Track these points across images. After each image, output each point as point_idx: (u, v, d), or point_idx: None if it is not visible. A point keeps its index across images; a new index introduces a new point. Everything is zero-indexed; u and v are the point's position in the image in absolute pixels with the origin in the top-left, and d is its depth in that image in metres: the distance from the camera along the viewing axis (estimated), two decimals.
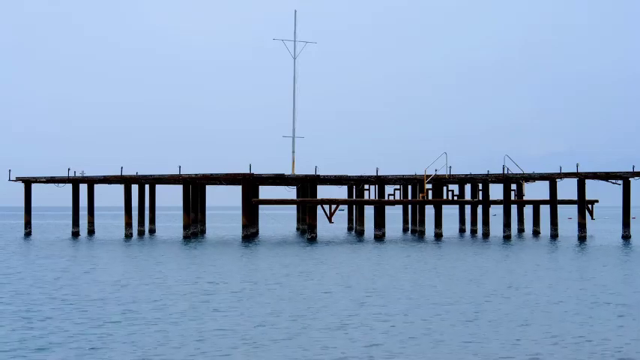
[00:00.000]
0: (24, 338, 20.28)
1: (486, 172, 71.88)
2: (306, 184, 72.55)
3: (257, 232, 76.20)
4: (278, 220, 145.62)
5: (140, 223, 77.99)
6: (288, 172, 74.72)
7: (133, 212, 75.90)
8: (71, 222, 78.33)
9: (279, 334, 20.77)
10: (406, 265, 42.43)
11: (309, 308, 25.52)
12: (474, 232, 77.10)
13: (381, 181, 74.25)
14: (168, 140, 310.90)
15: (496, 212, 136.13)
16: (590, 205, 75.41)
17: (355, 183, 78.50)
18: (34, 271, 39.21)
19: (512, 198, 76.16)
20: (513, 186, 77.03)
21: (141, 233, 77.20)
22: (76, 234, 77.11)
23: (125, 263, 44.15)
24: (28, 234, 79.76)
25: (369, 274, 37.28)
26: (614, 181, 67.66)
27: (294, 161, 79.00)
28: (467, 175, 72.65)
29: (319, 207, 66.98)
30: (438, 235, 70.98)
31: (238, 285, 32.38)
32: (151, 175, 74.09)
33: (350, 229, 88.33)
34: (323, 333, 21.04)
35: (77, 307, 25.78)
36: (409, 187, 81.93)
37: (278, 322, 22.81)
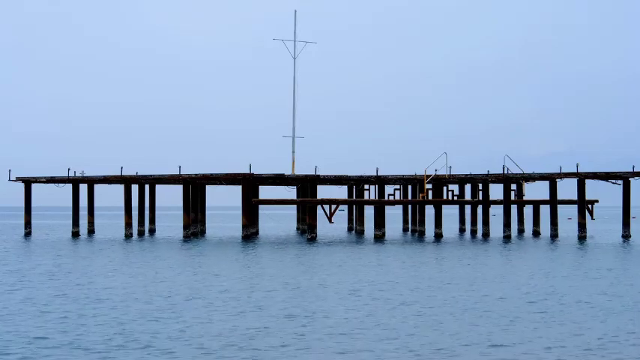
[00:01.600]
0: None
1: (486, 172, 71.84)
2: (306, 184, 72.53)
3: (257, 232, 76.23)
4: (277, 220, 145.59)
5: (140, 223, 77.94)
6: (288, 172, 74.73)
7: (133, 212, 75.89)
8: (71, 222, 78.33)
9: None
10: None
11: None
12: (473, 232, 77.06)
13: (381, 181, 74.22)
14: (168, 140, 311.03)
15: (496, 212, 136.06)
16: (590, 205, 75.31)
17: (355, 183, 78.48)
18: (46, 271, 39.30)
19: (512, 198, 76.09)
20: (513, 186, 76.96)
21: (141, 233, 77.17)
22: (76, 234, 77.09)
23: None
24: (28, 234, 79.80)
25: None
26: (614, 181, 67.64)
27: (294, 161, 79.02)
28: (467, 175, 72.61)
29: (319, 207, 66.97)
30: (438, 235, 70.95)
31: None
32: (151, 175, 74.08)
33: (350, 229, 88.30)
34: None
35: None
36: (409, 187, 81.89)
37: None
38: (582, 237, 67.58)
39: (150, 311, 24.88)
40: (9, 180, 76.30)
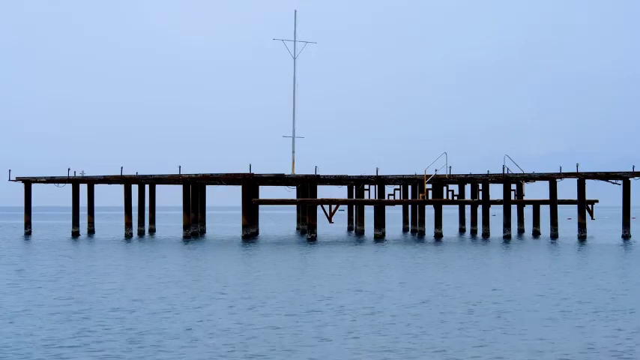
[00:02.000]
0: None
1: (486, 172, 71.88)
2: (306, 184, 72.57)
3: (257, 232, 76.25)
4: (277, 220, 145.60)
5: (140, 223, 77.99)
6: (288, 172, 74.78)
7: (133, 212, 75.92)
8: (71, 222, 78.36)
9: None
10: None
11: None
12: (473, 232, 77.10)
13: (381, 181, 74.26)
14: (168, 140, 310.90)
15: (496, 212, 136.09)
16: (590, 205, 75.33)
17: (355, 183, 78.52)
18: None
19: (512, 198, 76.12)
20: (513, 186, 76.99)
21: (141, 233, 77.22)
22: (76, 234, 77.13)
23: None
24: (28, 234, 79.85)
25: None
26: (614, 181, 67.68)
27: (294, 161, 79.07)
28: (467, 175, 72.65)
29: (319, 207, 67.00)
30: (438, 235, 71.00)
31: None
32: (151, 175, 74.13)
33: (350, 229, 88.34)
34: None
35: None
36: (409, 187, 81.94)
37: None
38: (582, 237, 67.61)
39: (158, 311, 24.89)
40: (9, 180, 76.41)
